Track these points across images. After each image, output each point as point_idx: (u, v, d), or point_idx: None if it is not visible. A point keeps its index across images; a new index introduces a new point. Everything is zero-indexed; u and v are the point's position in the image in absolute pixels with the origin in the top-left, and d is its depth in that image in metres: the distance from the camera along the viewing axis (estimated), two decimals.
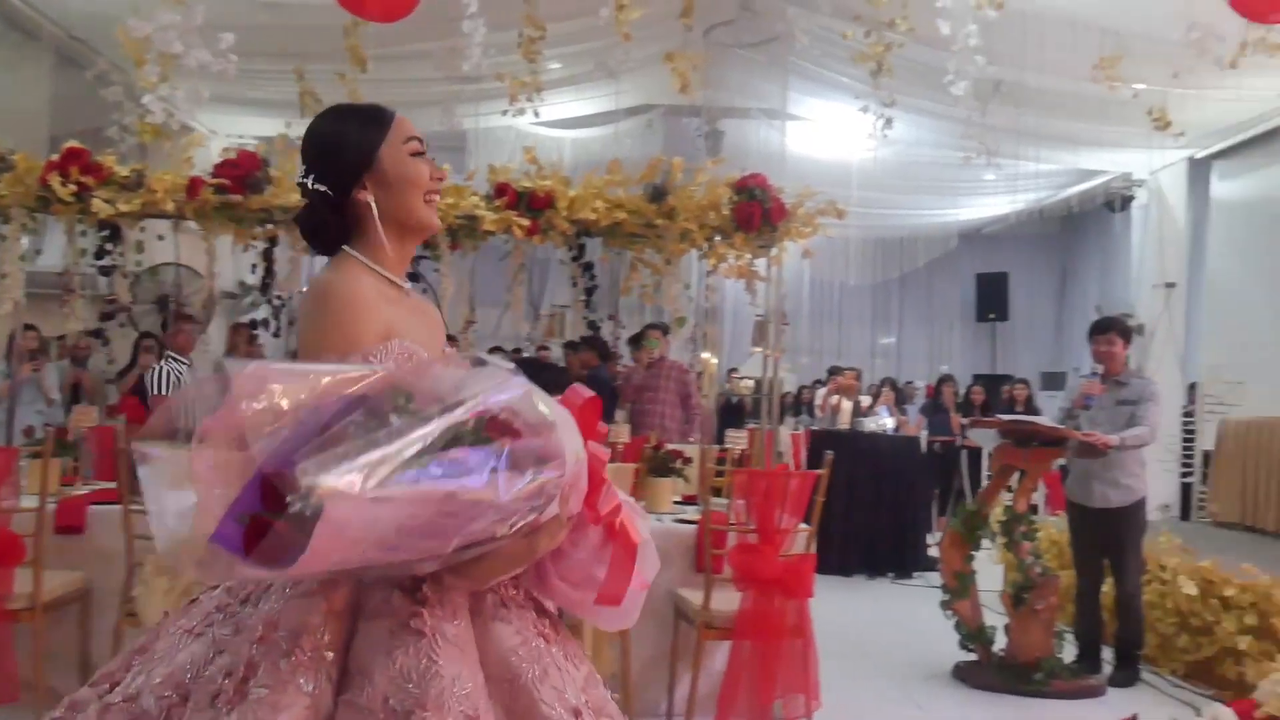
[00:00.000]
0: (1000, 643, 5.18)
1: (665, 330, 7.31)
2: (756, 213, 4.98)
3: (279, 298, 6.25)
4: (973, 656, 5.25)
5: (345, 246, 1.67)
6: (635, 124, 9.95)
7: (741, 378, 13.18)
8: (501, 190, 5.08)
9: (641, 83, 8.60)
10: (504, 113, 6.59)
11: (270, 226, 5.25)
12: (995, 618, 5.31)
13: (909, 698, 4.90)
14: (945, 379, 11.59)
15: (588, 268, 5.43)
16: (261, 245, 5.50)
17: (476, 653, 1.44)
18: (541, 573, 1.54)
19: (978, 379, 12.49)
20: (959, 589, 5.23)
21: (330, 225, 1.68)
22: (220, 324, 9.00)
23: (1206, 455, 8.70)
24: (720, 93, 9.50)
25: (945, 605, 5.28)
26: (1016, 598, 5.08)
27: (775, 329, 5.62)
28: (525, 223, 5.03)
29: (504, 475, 1.25)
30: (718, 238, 5.20)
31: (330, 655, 1.37)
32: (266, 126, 8.38)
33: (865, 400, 10.13)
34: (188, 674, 1.39)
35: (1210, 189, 10.18)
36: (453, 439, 1.22)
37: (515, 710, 1.44)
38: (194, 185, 4.92)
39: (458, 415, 1.23)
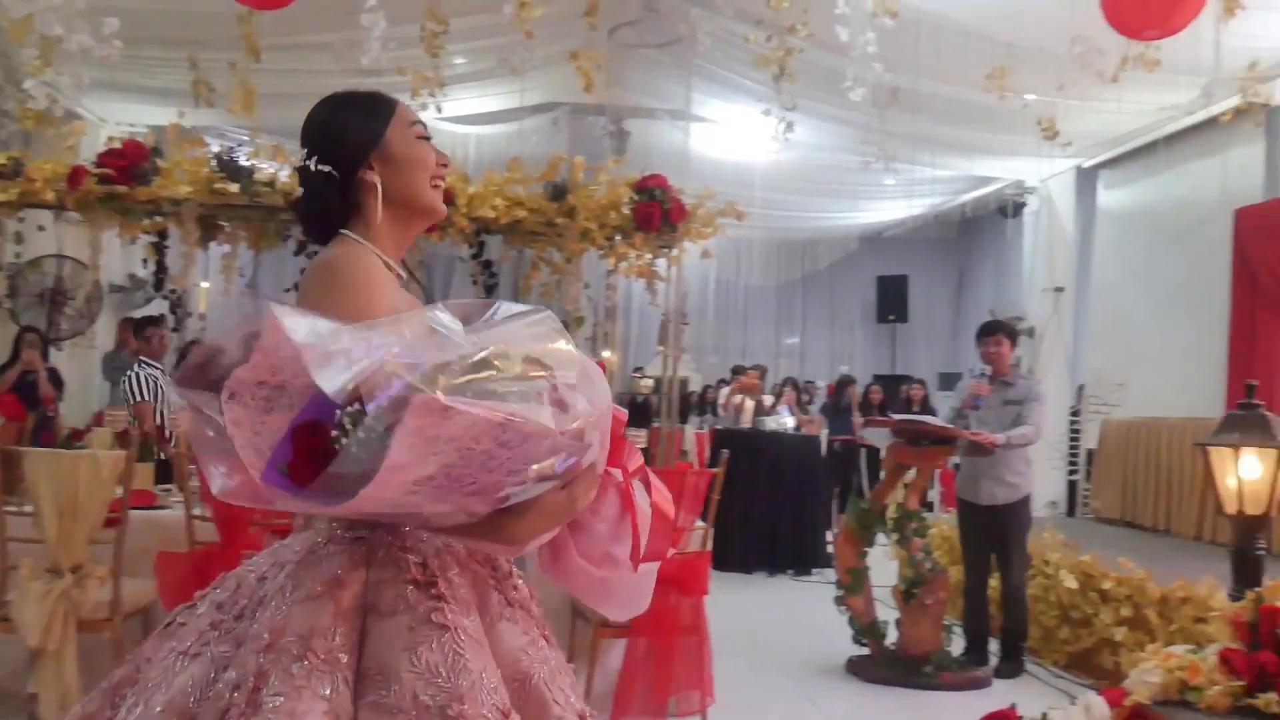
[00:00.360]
0: (892, 637, 5.31)
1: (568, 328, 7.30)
2: (656, 213, 5.02)
3: (173, 291, 6.07)
4: (865, 651, 5.36)
5: (343, 230, 1.61)
6: (541, 122, 9.90)
7: (644, 377, 13.25)
8: None
9: (547, 81, 8.56)
10: None
11: (159, 219, 5.10)
12: (888, 612, 5.42)
13: (802, 692, 4.99)
14: (848, 380, 11.81)
15: (487, 265, 5.40)
16: (151, 238, 5.33)
17: (489, 650, 1.40)
18: (560, 550, 1.49)
19: (877, 379, 12.75)
20: (852, 585, 5.34)
21: (333, 209, 1.61)
22: (108, 319, 8.70)
23: (1091, 454, 9.04)
24: (625, 92, 9.53)
25: (839, 601, 5.38)
26: (907, 593, 5.20)
27: (675, 328, 5.67)
28: None
29: (550, 410, 1.21)
30: (618, 237, 5.23)
31: (344, 658, 1.30)
32: (160, 115, 8.11)
33: (768, 400, 10.25)
34: (190, 697, 1.31)
35: (1097, 197, 10.58)
36: (492, 371, 1.20)
37: (526, 711, 1.40)
38: (76, 175, 4.76)
39: (490, 351, 1.20)
